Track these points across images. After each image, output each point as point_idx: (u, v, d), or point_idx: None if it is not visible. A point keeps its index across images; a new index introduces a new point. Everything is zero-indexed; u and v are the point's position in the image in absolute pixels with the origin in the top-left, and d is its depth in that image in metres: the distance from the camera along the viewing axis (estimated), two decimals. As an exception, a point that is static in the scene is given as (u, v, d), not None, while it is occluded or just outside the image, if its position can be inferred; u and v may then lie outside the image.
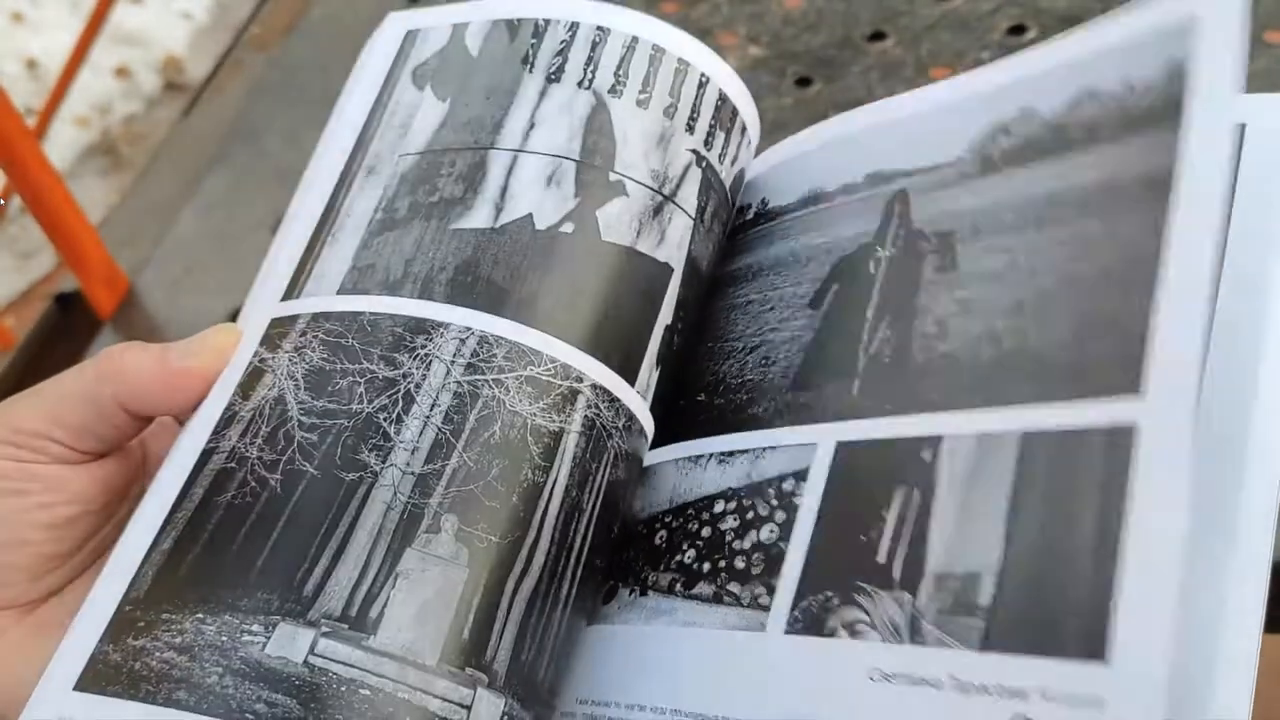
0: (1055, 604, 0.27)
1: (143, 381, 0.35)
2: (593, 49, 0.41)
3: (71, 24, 2.06)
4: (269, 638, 0.32)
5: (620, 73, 0.41)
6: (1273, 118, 0.35)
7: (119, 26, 2.07)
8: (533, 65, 0.41)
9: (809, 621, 0.32)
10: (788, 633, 0.33)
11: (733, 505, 0.36)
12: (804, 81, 0.84)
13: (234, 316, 0.40)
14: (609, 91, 0.41)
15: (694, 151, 0.41)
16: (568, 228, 0.39)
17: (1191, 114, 0.30)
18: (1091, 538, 0.27)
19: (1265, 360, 0.32)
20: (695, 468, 0.38)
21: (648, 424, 0.39)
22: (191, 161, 1.02)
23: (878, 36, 0.85)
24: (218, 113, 1.09)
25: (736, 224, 0.44)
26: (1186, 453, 0.26)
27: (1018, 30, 0.81)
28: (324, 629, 0.32)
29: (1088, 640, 0.26)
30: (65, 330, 0.91)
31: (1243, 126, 0.35)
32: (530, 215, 0.39)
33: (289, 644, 0.32)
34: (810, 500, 0.34)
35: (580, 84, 0.41)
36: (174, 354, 0.36)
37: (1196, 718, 0.28)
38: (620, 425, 0.38)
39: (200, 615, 0.32)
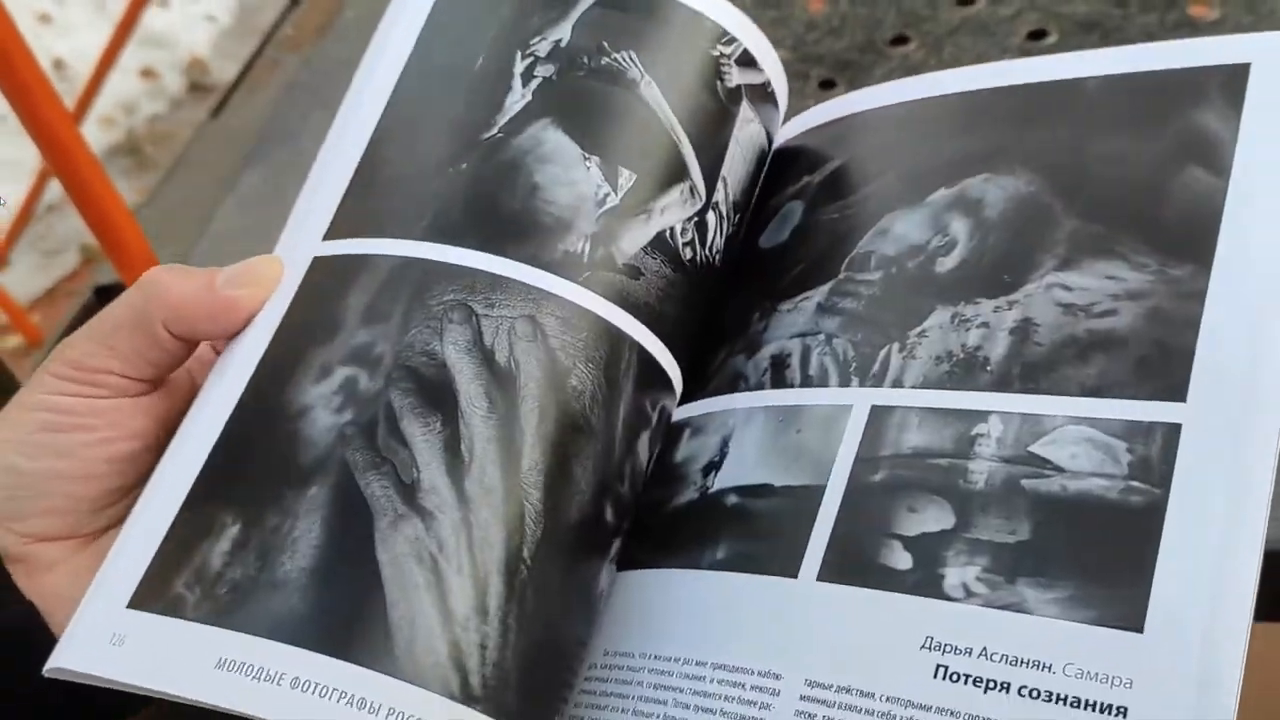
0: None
1: (188, 305, 0.36)
2: None
3: (98, 24, 2.09)
4: None
5: None
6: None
7: (144, 28, 2.10)
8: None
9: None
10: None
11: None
12: (827, 84, 0.86)
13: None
14: None
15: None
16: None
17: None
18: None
19: (1264, 346, 0.32)
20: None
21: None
22: (224, 160, 1.04)
23: (900, 40, 0.87)
24: (249, 112, 1.11)
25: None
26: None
27: (1038, 35, 0.83)
28: None
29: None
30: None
31: (1248, 66, 0.36)
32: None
33: None
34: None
35: None
36: (222, 281, 0.37)
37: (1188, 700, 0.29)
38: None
39: None
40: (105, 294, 0.95)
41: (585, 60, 0.40)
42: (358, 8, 1.08)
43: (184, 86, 2.19)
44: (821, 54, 0.88)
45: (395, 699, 0.31)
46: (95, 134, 2.03)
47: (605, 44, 0.40)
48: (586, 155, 0.39)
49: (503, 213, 0.38)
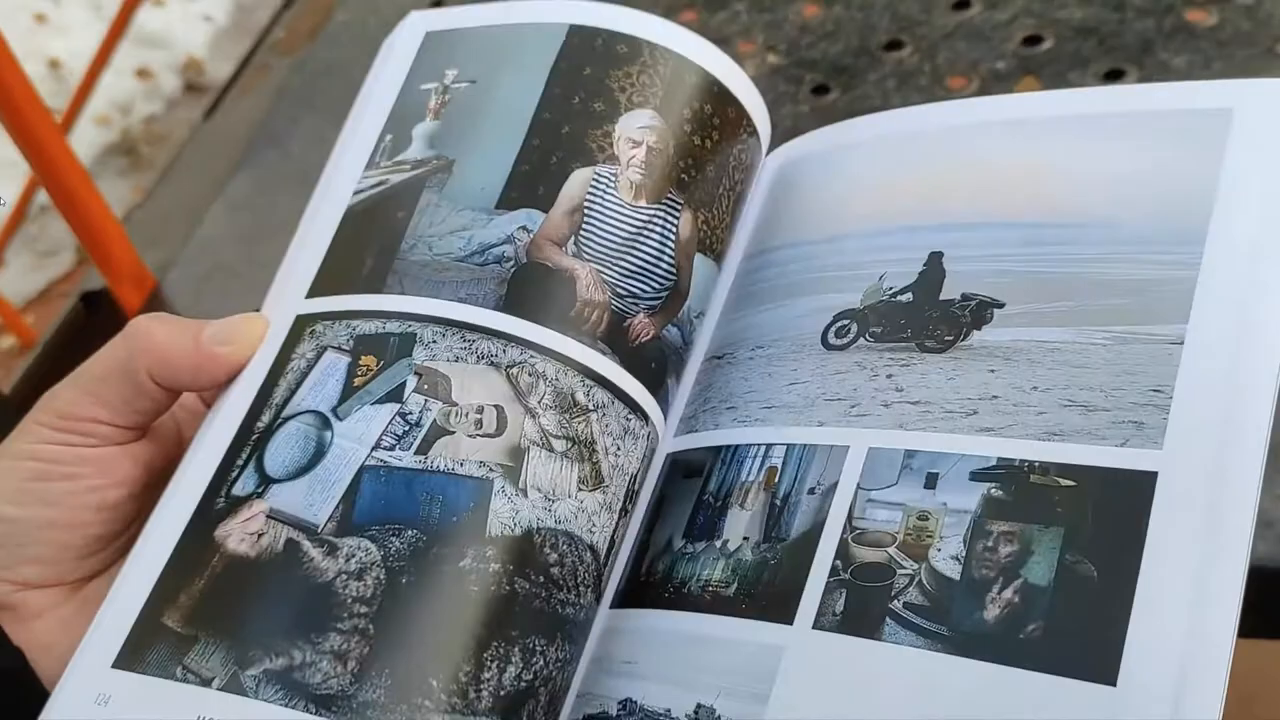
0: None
1: (174, 358, 0.37)
2: None
3: (94, 25, 2.09)
4: None
5: None
6: (1263, 104, 0.36)
7: (141, 28, 2.10)
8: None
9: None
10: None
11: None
12: (821, 89, 0.85)
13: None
14: None
15: None
16: None
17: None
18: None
19: (1244, 369, 0.32)
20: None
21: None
22: (215, 163, 1.04)
23: (894, 45, 0.86)
24: (240, 116, 1.10)
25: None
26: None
27: (1033, 40, 0.82)
28: None
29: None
30: (91, 329, 0.93)
31: (1229, 110, 0.36)
32: None
33: None
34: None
35: None
36: (207, 337, 0.37)
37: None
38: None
39: None
40: (92, 300, 0.94)
41: None
42: (348, 11, 1.07)
43: (180, 87, 2.19)
44: (815, 58, 0.87)
45: None
46: (91, 133, 2.02)
47: None
48: None
49: None
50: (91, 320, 0.93)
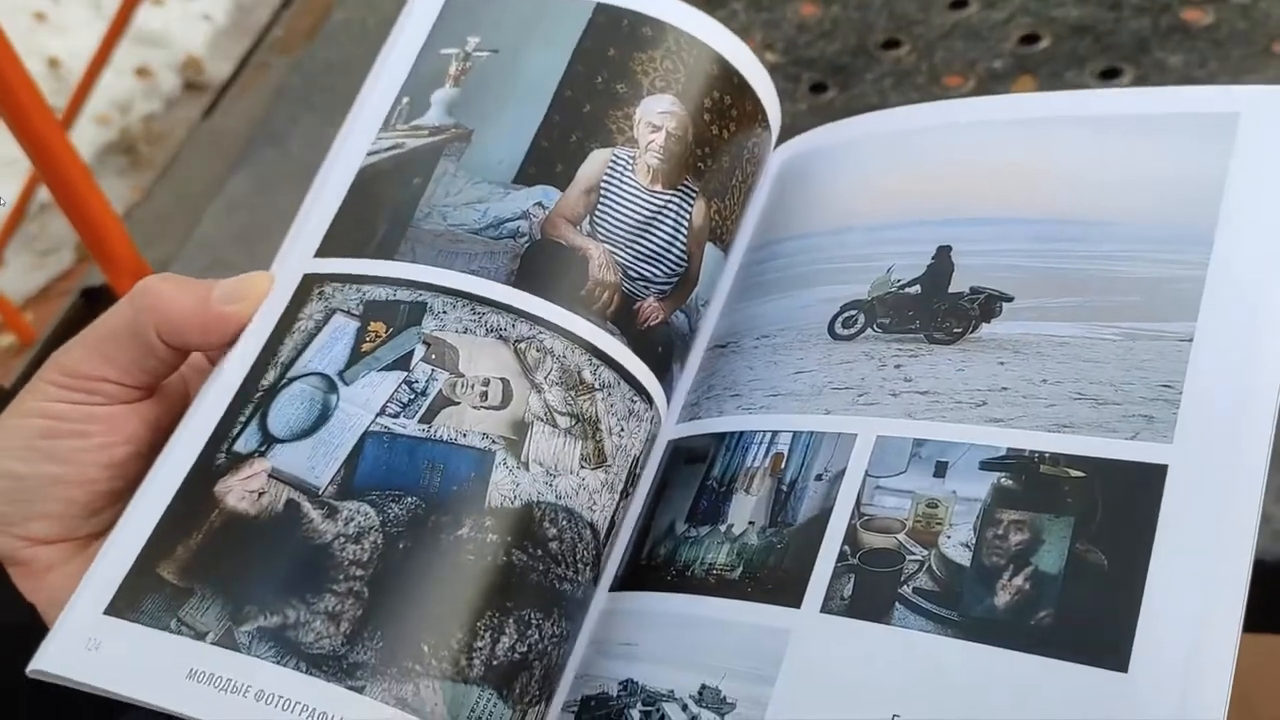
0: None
1: (182, 317, 0.37)
2: None
3: (93, 24, 2.09)
4: None
5: None
6: (1269, 109, 0.37)
7: (140, 27, 2.10)
8: None
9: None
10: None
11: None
12: (819, 88, 0.85)
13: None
14: None
15: None
16: None
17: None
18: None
19: (1252, 367, 0.33)
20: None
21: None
22: (214, 162, 1.04)
23: (891, 44, 0.86)
24: (240, 114, 1.11)
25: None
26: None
27: (1030, 39, 0.82)
28: None
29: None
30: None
31: (1236, 115, 0.37)
32: None
33: None
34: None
35: None
36: (215, 296, 0.37)
37: (1173, 716, 0.29)
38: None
39: None
40: (92, 296, 0.95)
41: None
42: (347, 10, 1.08)
43: (179, 86, 2.20)
44: (813, 57, 0.88)
45: (356, 712, 0.31)
46: (90, 132, 2.03)
47: None
48: None
49: None
50: (91, 315, 0.93)
